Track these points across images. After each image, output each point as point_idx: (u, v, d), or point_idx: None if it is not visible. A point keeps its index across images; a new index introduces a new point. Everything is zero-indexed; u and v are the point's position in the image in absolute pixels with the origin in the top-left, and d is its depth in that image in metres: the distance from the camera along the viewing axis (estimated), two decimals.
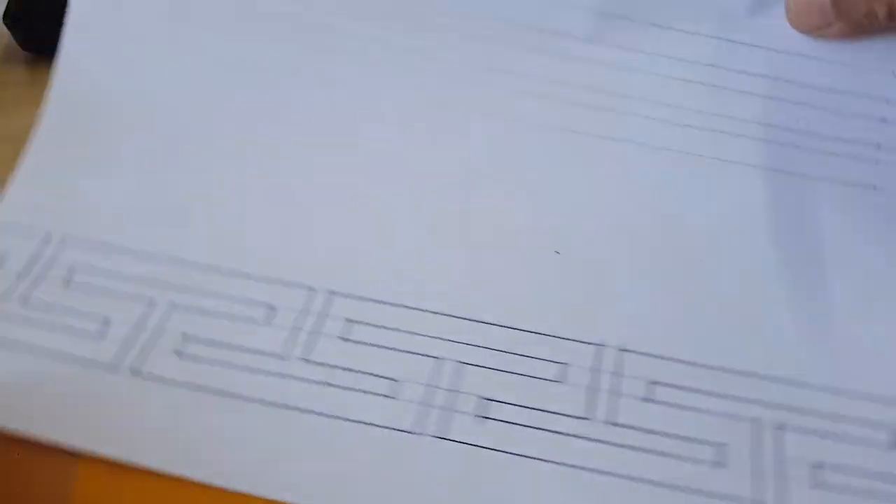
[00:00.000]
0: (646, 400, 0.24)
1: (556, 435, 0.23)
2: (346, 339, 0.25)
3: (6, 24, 0.36)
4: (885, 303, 0.27)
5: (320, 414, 0.24)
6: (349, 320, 0.26)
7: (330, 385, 0.24)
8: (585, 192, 0.29)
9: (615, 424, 0.24)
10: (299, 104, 0.31)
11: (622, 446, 0.23)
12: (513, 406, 0.24)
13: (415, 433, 0.23)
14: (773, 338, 0.26)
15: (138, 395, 0.24)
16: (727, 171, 0.29)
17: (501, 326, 0.26)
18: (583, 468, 0.23)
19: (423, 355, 0.25)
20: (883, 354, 0.25)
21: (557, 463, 0.23)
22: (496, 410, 0.24)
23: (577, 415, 0.24)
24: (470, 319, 0.26)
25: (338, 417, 0.24)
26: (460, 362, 0.25)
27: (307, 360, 0.25)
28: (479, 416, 0.24)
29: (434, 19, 0.32)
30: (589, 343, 0.25)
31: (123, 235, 0.28)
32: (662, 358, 0.25)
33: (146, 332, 0.25)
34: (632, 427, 0.24)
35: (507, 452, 0.23)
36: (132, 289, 0.26)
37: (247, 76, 0.31)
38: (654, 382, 0.24)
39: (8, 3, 0.36)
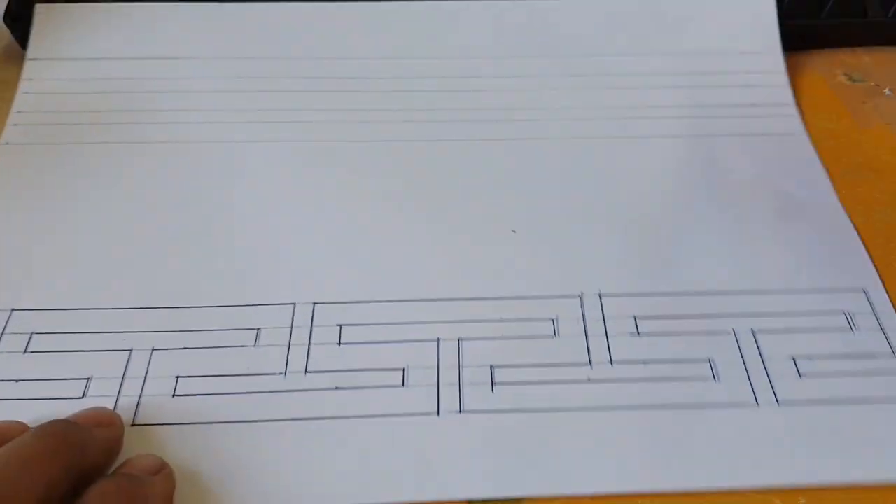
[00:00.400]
0: (634, 335, 0.26)
1: (564, 385, 0.25)
2: (343, 343, 0.26)
3: (6, 23, 0.37)
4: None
5: (340, 417, 0.24)
6: (340, 325, 0.26)
7: (340, 389, 0.24)
8: (530, 182, 0.31)
9: (613, 363, 0.25)
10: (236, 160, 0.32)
11: (625, 381, 0.25)
12: (518, 368, 0.25)
13: (436, 413, 0.24)
14: (714, 257, 0.28)
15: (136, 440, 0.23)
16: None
17: (486, 299, 0.27)
18: (594, 409, 0.24)
19: (422, 341, 0.26)
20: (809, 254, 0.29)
21: (572, 410, 0.24)
22: (505, 375, 0.25)
23: (576, 362, 0.25)
24: (455, 299, 0.27)
25: (358, 416, 0.24)
26: (460, 339, 0.26)
27: (308, 372, 0.25)
28: (490, 384, 0.25)
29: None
30: (569, 296, 0.27)
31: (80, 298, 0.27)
32: (637, 294, 0.27)
33: (135, 379, 0.24)
34: (628, 362, 0.25)
35: (523, 411, 0.24)
36: (107, 344, 0.25)
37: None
38: (638, 317, 0.26)
39: (8, 2, 0.37)
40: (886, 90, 0.36)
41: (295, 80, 0.35)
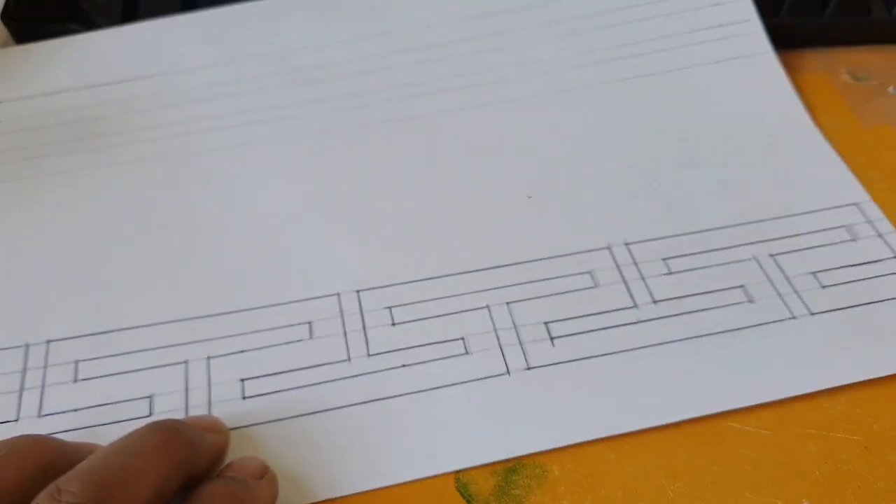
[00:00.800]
0: (668, 274, 0.27)
1: (616, 329, 0.26)
2: (396, 324, 0.26)
3: (5, 21, 0.36)
4: None
5: (413, 393, 0.24)
6: (389, 307, 0.26)
7: (406, 366, 0.25)
8: (529, 143, 0.32)
9: (656, 302, 0.27)
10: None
11: (672, 316, 0.26)
12: (571, 320, 0.26)
13: (506, 373, 0.25)
14: (719, 193, 0.30)
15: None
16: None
17: (521, 263, 0.28)
18: (650, 345, 0.25)
19: (472, 310, 0.26)
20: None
21: (630, 350, 0.25)
22: (561, 329, 0.26)
23: (624, 306, 0.26)
24: (491, 268, 0.28)
25: (431, 388, 0.24)
26: (508, 303, 0.26)
27: (371, 355, 0.25)
28: (549, 339, 0.25)
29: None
30: (599, 249, 0.28)
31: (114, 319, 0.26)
32: (659, 238, 0.28)
33: (199, 389, 0.24)
34: (670, 298, 0.27)
35: (587, 358, 0.25)
36: (158, 360, 0.25)
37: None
38: (667, 259, 0.28)
39: (7, 1, 0.37)
40: (890, 89, 0.36)
41: (272, 77, 0.35)
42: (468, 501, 0.22)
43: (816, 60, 0.37)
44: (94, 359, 0.25)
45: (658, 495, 0.23)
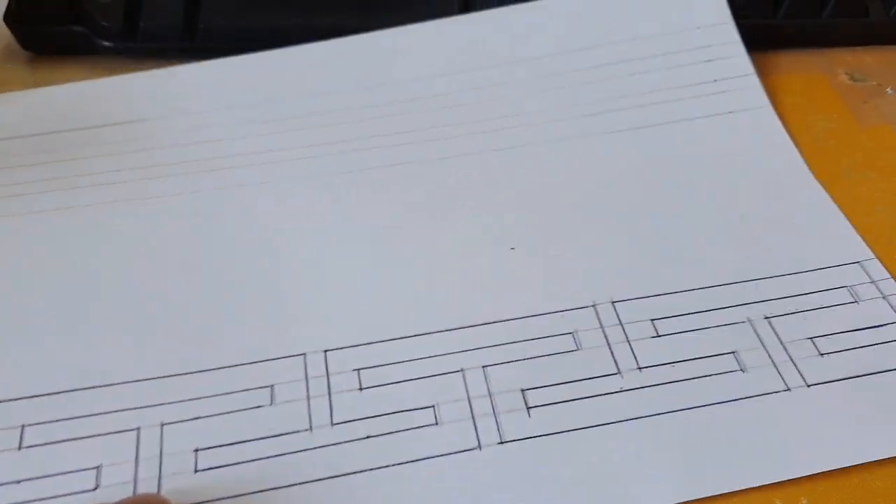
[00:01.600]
0: (656, 337, 0.26)
1: (598, 398, 0.24)
2: (364, 388, 0.24)
3: (7, 23, 0.37)
4: None
5: (378, 468, 0.23)
6: (357, 369, 0.25)
7: (371, 437, 0.23)
8: (514, 193, 0.31)
9: (641, 369, 0.25)
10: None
11: (657, 385, 0.24)
12: (549, 388, 0.24)
13: (477, 448, 0.23)
14: (712, 248, 0.29)
15: None
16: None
17: (500, 322, 0.26)
18: (633, 419, 0.24)
19: (446, 374, 0.25)
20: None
21: (611, 423, 0.24)
22: (538, 397, 0.24)
23: (607, 373, 0.25)
24: (469, 326, 0.26)
25: (398, 464, 0.23)
26: (484, 367, 0.25)
27: (335, 424, 0.24)
28: (525, 409, 0.24)
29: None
30: (583, 307, 0.26)
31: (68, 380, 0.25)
32: (648, 296, 0.27)
33: (150, 460, 0.23)
34: (656, 364, 0.25)
35: (564, 432, 0.23)
36: (110, 426, 0.23)
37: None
38: (655, 319, 0.26)
39: (9, 2, 0.37)
40: (888, 90, 0.36)
41: (237, 127, 0.34)
42: None
43: (814, 61, 0.37)
44: (42, 423, 0.24)
45: None
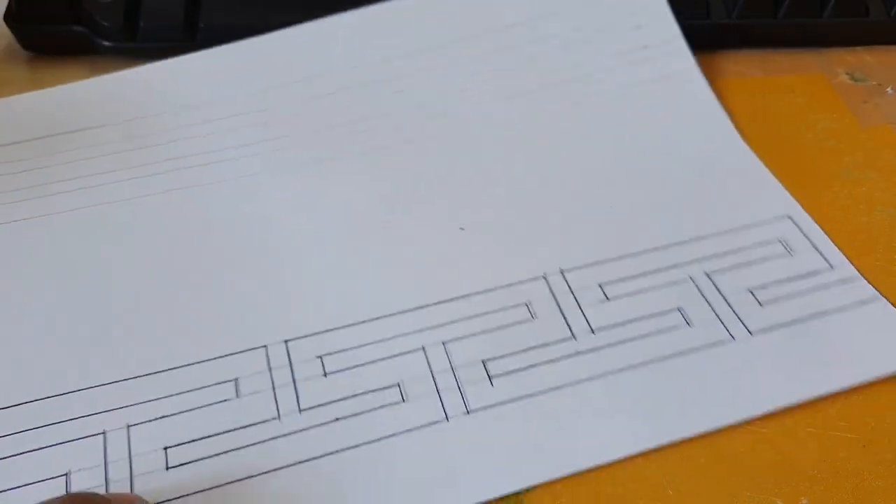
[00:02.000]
0: (605, 301, 0.27)
1: (556, 363, 0.25)
2: (328, 374, 0.25)
3: (8, 23, 0.37)
4: None
5: (350, 448, 0.23)
6: (320, 356, 0.25)
7: (339, 419, 0.24)
8: (459, 174, 0.32)
9: (594, 331, 0.26)
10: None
11: (610, 345, 0.25)
12: (509, 356, 0.25)
13: (444, 420, 0.24)
14: (651, 214, 0.30)
15: None
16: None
17: (455, 299, 0.27)
18: (590, 379, 0.25)
19: (408, 353, 0.25)
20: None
21: (570, 384, 0.24)
22: (499, 367, 0.25)
23: (562, 338, 0.26)
24: (425, 306, 0.27)
25: (368, 442, 0.23)
26: (443, 343, 0.25)
27: (303, 410, 0.24)
28: (487, 379, 0.25)
29: None
30: (534, 279, 0.27)
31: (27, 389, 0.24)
32: (594, 264, 0.28)
33: (120, 462, 0.23)
34: (607, 327, 0.26)
35: (527, 397, 0.24)
36: (74, 432, 0.23)
37: None
38: (603, 284, 0.27)
39: (9, 2, 0.37)
40: (888, 89, 0.36)
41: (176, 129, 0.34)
42: None
43: (815, 61, 0.37)
44: (5, 436, 0.23)
45: (657, 494, 0.22)
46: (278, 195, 0.31)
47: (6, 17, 0.37)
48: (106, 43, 0.37)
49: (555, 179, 0.31)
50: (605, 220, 0.29)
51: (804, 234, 0.29)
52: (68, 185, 0.31)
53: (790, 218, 0.29)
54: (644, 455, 0.23)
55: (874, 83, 0.36)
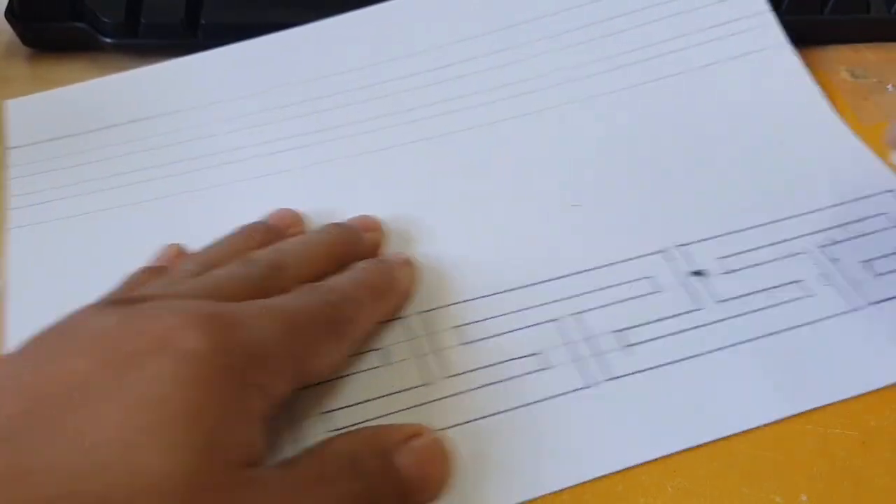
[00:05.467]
0: (727, 273, 0.28)
1: (690, 332, 0.26)
2: (466, 343, 0.26)
3: (8, 19, 0.37)
4: None
5: (497, 413, 0.24)
6: (456, 327, 0.26)
7: (482, 387, 0.25)
8: (565, 151, 0.32)
9: (722, 301, 0.27)
10: None
11: (739, 315, 0.26)
12: (643, 326, 0.26)
13: (588, 386, 0.25)
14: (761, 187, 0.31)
15: None
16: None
17: (581, 273, 0.28)
18: (720, 349, 0.26)
19: (541, 323, 0.26)
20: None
21: (702, 354, 0.25)
22: (634, 336, 0.26)
23: (691, 308, 0.27)
24: (553, 279, 0.28)
25: (514, 408, 0.24)
26: (575, 314, 0.26)
27: (446, 378, 0.25)
28: (625, 347, 0.26)
29: None
30: (656, 252, 0.28)
31: None
32: (711, 238, 0.29)
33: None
34: (734, 298, 0.27)
35: (662, 366, 0.25)
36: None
37: None
38: (722, 258, 0.28)
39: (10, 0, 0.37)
40: (889, 87, 0.36)
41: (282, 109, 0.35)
42: None
43: (815, 58, 0.37)
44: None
45: (657, 490, 0.23)
46: (393, 168, 0.32)
47: (7, 14, 0.37)
48: (107, 39, 0.37)
49: (664, 158, 0.32)
50: (714, 197, 0.30)
51: None
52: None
53: (891, 192, 0.30)
54: None
55: (875, 80, 0.36)
